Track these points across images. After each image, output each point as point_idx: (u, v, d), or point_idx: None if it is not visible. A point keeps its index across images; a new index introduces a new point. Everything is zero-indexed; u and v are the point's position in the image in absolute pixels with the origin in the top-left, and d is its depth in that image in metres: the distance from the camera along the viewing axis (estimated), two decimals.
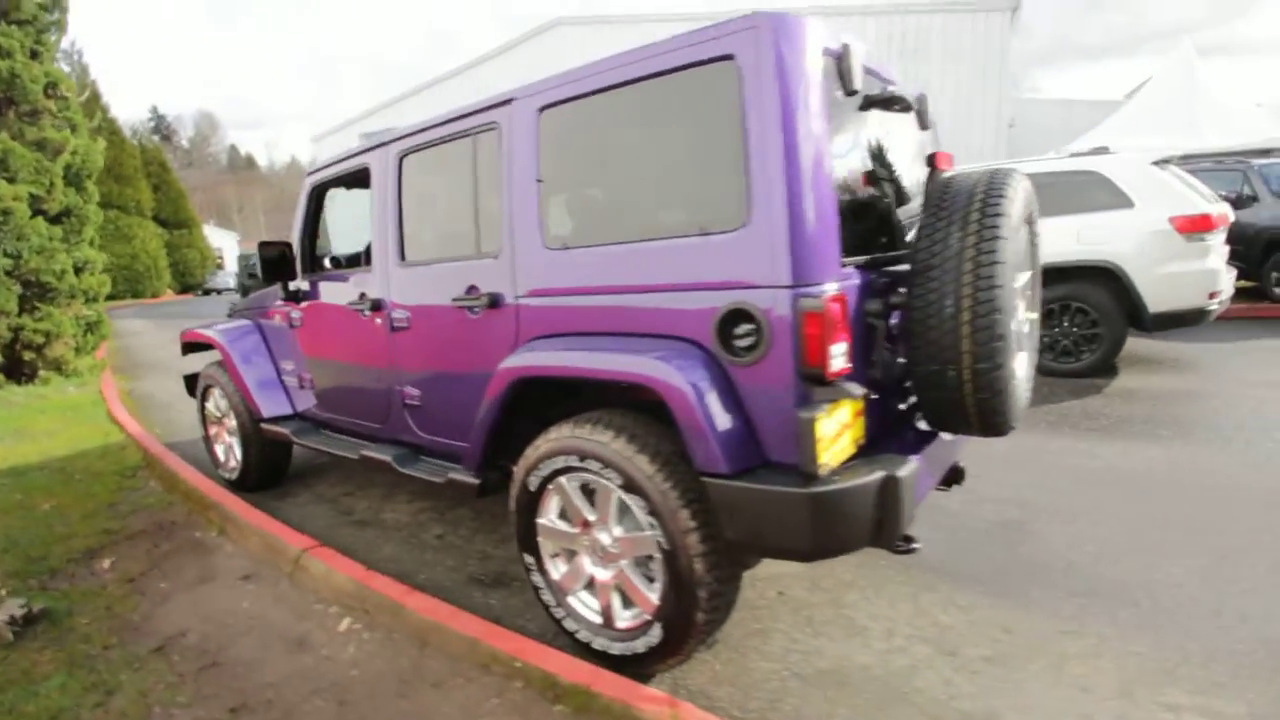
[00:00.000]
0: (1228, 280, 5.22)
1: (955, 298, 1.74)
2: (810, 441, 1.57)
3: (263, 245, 3.11)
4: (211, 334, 3.84)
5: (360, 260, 3.73)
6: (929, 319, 1.78)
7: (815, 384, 1.65)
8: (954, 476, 2.39)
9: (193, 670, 2.22)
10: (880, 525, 1.69)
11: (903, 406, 2.17)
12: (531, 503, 2.17)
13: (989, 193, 1.80)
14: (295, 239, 3.27)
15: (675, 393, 1.71)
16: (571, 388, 2.24)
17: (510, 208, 2.21)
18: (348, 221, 3.73)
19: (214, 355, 3.98)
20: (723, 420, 1.71)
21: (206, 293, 32.16)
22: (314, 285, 3.26)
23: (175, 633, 2.46)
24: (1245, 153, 8.58)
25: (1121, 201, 5.12)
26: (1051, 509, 3.09)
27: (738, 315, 1.72)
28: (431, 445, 2.75)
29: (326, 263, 3.52)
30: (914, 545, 1.78)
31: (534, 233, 2.15)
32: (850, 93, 1.80)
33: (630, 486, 1.87)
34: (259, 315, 3.85)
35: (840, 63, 1.78)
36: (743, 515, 1.69)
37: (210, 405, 4.09)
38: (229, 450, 4.02)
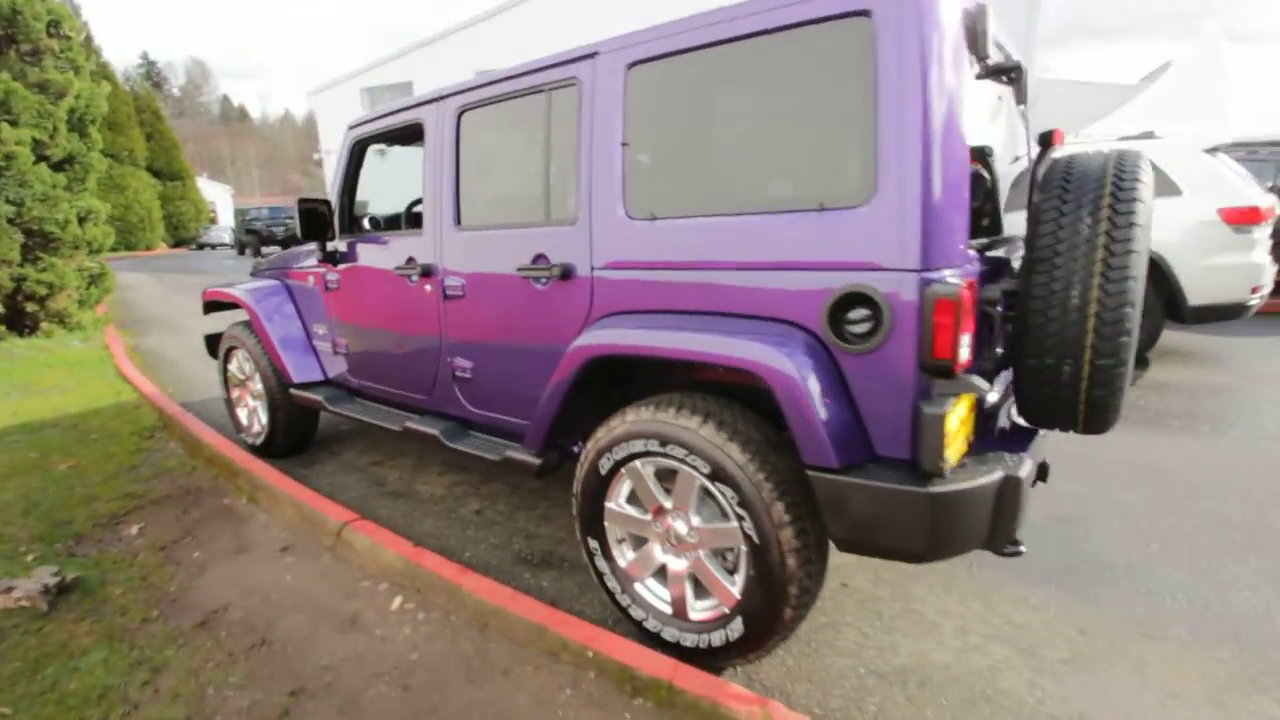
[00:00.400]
0: (1270, 274, 5.13)
1: (1083, 289, 1.62)
2: (938, 438, 1.47)
3: (301, 201, 2.95)
4: (237, 293, 3.69)
5: (402, 222, 3.55)
6: (1049, 310, 1.66)
7: (938, 376, 1.54)
8: (1041, 474, 2.30)
9: (242, 649, 2.13)
10: (995, 527, 1.60)
11: (993, 399, 2.07)
12: (601, 486, 2.07)
13: (1121, 176, 1.67)
14: (334, 197, 3.10)
15: (785, 380, 1.60)
16: (636, 368, 2.13)
17: (589, 172, 2.06)
18: (389, 180, 3.52)
19: (237, 315, 3.84)
20: (834, 411, 1.61)
21: (200, 247, 31.59)
22: (352, 247, 3.10)
23: (217, 607, 2.37)
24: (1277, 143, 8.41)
25: (1169, 189, 4.98)
26: (1108, 505, 3.03)
27: (854, 299, 1.60)
28: (482, 420, 2.64)
29: (366, 223, 3.35)
30: (1020, 548, 1.70)
31: (616, 201, 2.01)
32: (983, 59, 1.65)
33: (719, 475, 1.77)
34: (287, 276, 3.69)
35: (975, 25, 1.63)
36: (853, 513, 1.60)
37: (233, 367, 3.95)
38: (253, 415, 3.90)
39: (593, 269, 2.09)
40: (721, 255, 1.80)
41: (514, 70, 2.30)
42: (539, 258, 2.23)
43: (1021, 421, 1.98)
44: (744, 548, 1.80)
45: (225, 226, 33.65)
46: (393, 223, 3.51)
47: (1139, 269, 1.61)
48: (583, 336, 2.02)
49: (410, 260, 2.72)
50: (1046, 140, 1.94)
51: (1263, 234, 4.93)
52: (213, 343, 4.17)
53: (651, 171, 1.99)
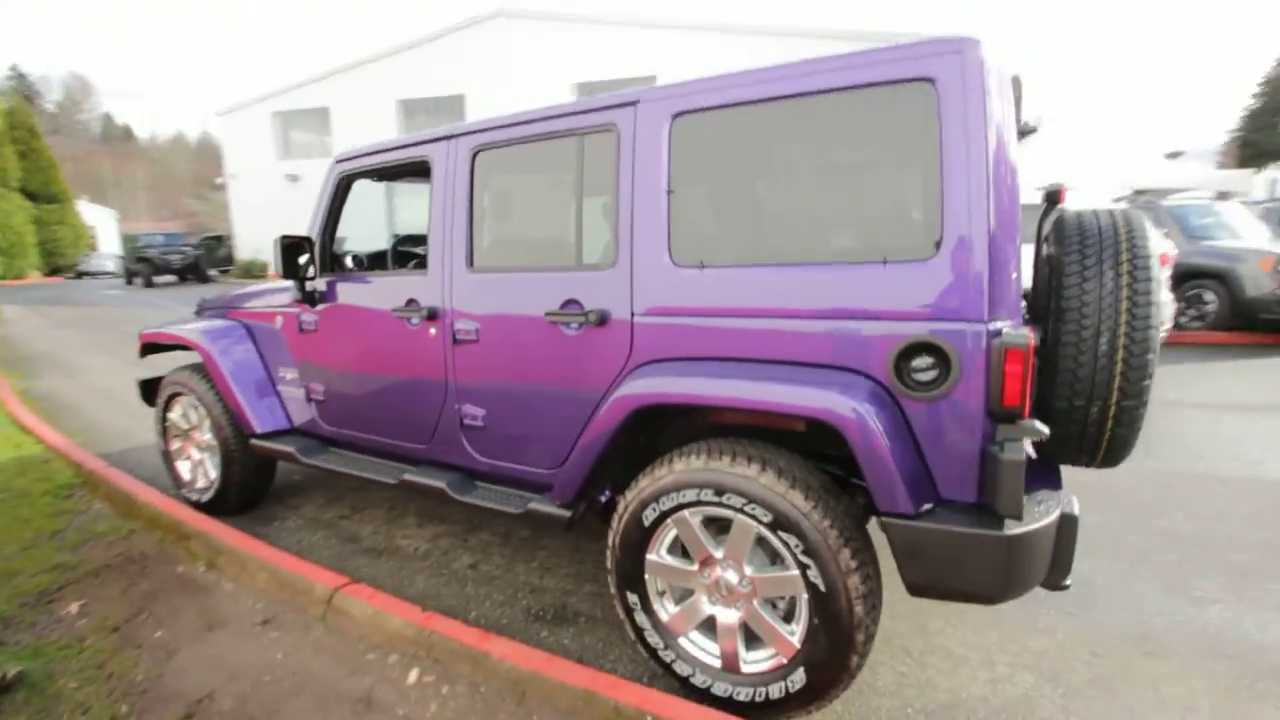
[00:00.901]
0: (1171, 311, 5.75)
1: (1111, 337, 1.75)
2: (1017, 483, 1.53)
3: (283, 239, 2.74)
4: (187, 334, 3.36)
5: (388, 261, 3.36)
6: (1080, 356, 1.78)
7: (1004, 421, 1.61)
8: None
9: None
10: (1055, 563, 1.67)
11: None
12: (643, 538, 2.01)
13: (1133, 235, 1.83)
14: (315, 233, 2.90)
15: (862, 429, 1.62)
16: (664, 415, 2.09)
17: (629, 218, 2.04)
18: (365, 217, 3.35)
19: (180, 359, 3.50)
20: (905, 458, 1.64)
21: (79, 275, 28.73)
22: (333, 287, 2.90)
23: (201, 695, 2.09)
24: (1152, 193, 9.56)
25: None
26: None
27: (920, 348, 1.65)
28: (491, 470, 2.51)
29: (348, 261, 3.15)
30: (1068, 582, 1.78)
31: (660, 247, 1.99)
32: (1020, 123, 1.78)
33: (781, 524, 1.76)
34: (245, 316, 3.40)
35: (1015, 93, 1.75)
36: (929, 558, 1.62)
37: (175, 416, 3.58)
38: (198, 468, 3.53)
39: (633, 315, 2.05)
40: (779, 304, 1.82)
41: (537, 114, 2.25)
42: (570, 303, 2.17)
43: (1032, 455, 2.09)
44: (805, 595, 1.79)
45: (109, 254, 30.78)
46: (376, 262, 3.33)
47: (1157, 318, 1.76)
48: (629, 384, 1.97)
49: (411, 302, 2.58)
50: (1053, 197, 2.10)
51: (1165, 274, 5.55)
52: (149, 388, 3.77)
53: (699, 220, 1.99)
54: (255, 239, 23.92)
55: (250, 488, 3.45)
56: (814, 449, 1.95)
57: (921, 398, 1.66)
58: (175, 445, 3.64)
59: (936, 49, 1.62)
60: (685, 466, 1.91)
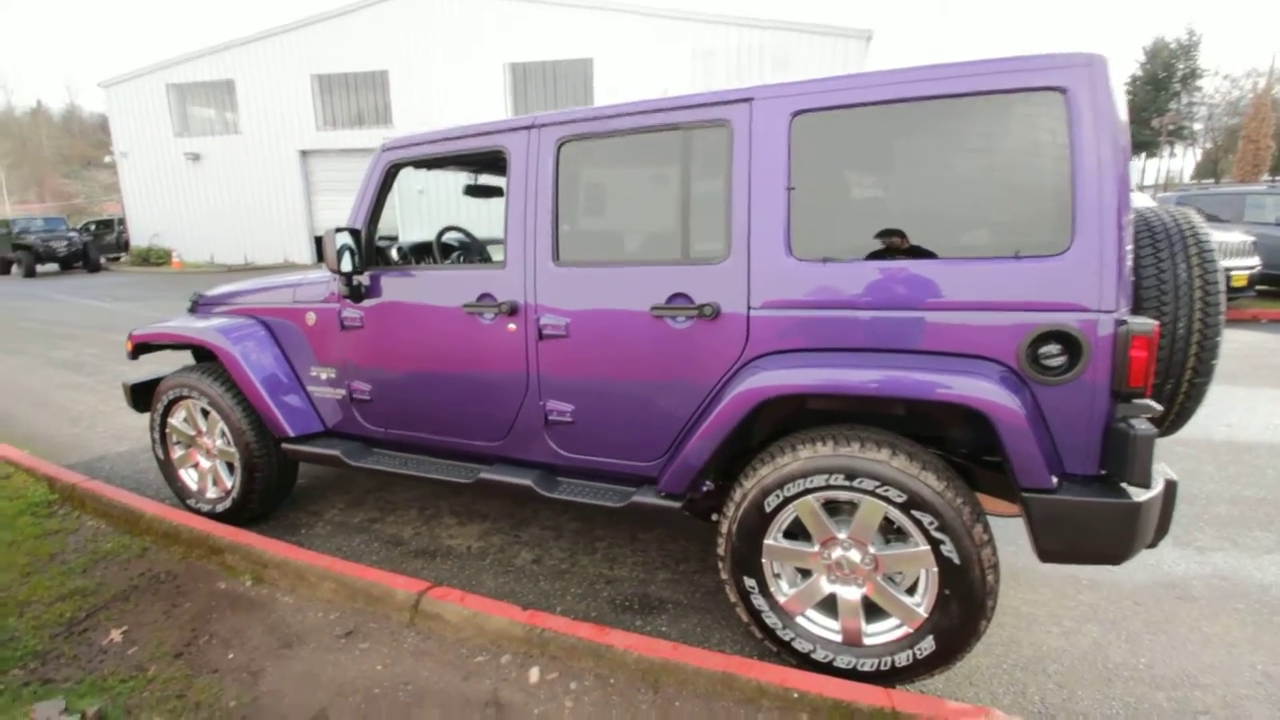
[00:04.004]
0: None
1: (1188, 321, 1.96)
2: (1148, 456, 1.70)
3: (337, 231, 2.58)
4: (201, 335, 3.10)
5: (434, 254, 3.19)
6: (1162, 340, 1.99)
7: (1125, 401, 1.78)
8: None
9: None
10: (1161, 525, 1.87)
11: None
12: (762, 524, 2.08)
13: (1195, 229, 2.05)
14: (360, 224, 2.74)
15: (1008, 413, 1.74)
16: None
17: (745, 213, 2.07)
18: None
19: (174, 359, 3.22)
20: (1042, 438, 1.78)
21: None
22: (378, 281, 2.76)
23: (311, 715, 1.99)
24: None
25: None
26: None
27: (1050, 336, 1.79)
28: (577, 464, 2.49)
29: (393, 254, 2.99)
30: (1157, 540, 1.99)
31: (779, 242, 2.04)
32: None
33: (917, 504, 1.87)
34: (262, 312, 3.17)
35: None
36: (1064, 528, 1.78)
37: (178, 421, 3.30)
38: (208, 476, 3.29)
39: (749, 308, 2.10)
40: (907, 296, 1.92)
41: (633, 107, 2.23)
42: (678, 296, 2.18)
43: None
44: (934, 569, 1.91)
45: None
46: (420, 254, 3.17)
47: (1224, 304, 1.99)
48: (756, 375, 2.02)
49: (485, 297, 2.50)
50: None
51: None
52: (141, 394, 3.45)
53: (822, 216, 2.05)
54: (152, 223, 21.88)
55: (273, 495, 3.25)
56: (907, 431, 2.07)
57: (1051, 382, 1.81)
58: (178, 453, 3.36)
59: (1067, 62, 1.75)
60: (813, 453, 1.99)
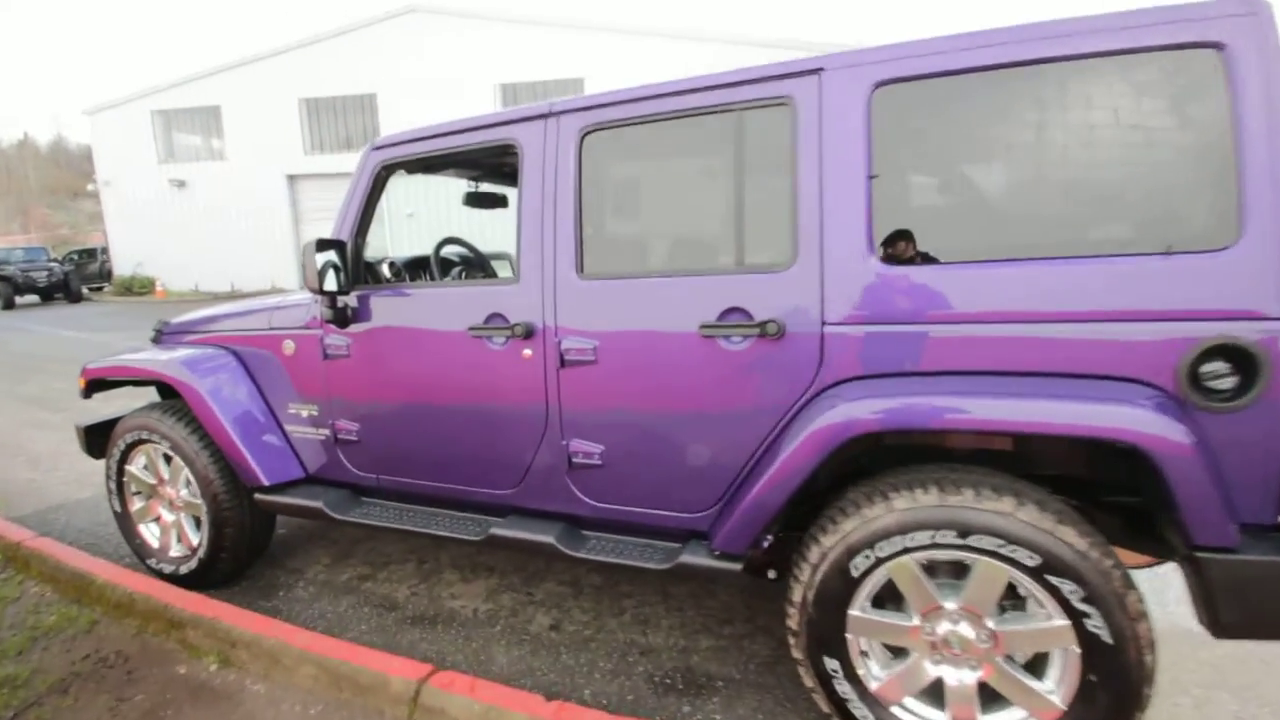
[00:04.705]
0: None
1: None
2: None
3: (319, 244, 2.19)
4: (160, 367, 2.68)
5: (432, 270, 2.79)
6: None
7: None
8: None
9: None
10: None
11: None
12: (848, 590, 1.67)
13: None
14: (347, 236, 2.35)
15: (1175, 449, 1.36)
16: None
17: (816, 209, 1.70)
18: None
19: (128, 397, 2.81)
20: (1218, 481, 1.40)
21: None
22: (367, 301, 2.37)
23: None
24: None
25: None
26: None
27: (1217, 351, 1.41)
28: (607, 516, 2.09)
29: (384, 271, 2.59)
30: None
31: (858, 243, 1.66)
32: None
33: (1054, 568, 1.48)
34: (232, 340, 2.76)
35: None
36: (1256, 594, 1.39)
37: (136, 469, 2.87)
38: (171, 531, 2.85)
39: (823, 324, 1.71)
40: (1030, 305, 1.54)
41: (671, 86, 1.86)
42: (732, 312, 1.79)
43: None
44: (1075, 649, 1.51)
45: None
46: (415, 272, 2.78)
47: None
48: (841, 408, 1.62)
49: (495, 318, 2.11)
50: None
51: None
52: (94, 437, 3.01)
53: (914, 210, 1.68)
54: (135, 252, 21.41)
55: (246, 553, 2.81)
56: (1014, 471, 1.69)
57: (1219, 408, 1.43)
58: (137, 505, 2.92)
59: (1225, 9, 1.40)
60: (911, 504, 1.59)
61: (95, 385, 2.93)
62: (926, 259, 1.63)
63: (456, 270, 2.92)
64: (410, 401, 2.32)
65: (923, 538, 1.58)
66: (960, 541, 1.55)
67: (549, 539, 2.07)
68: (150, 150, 20.80)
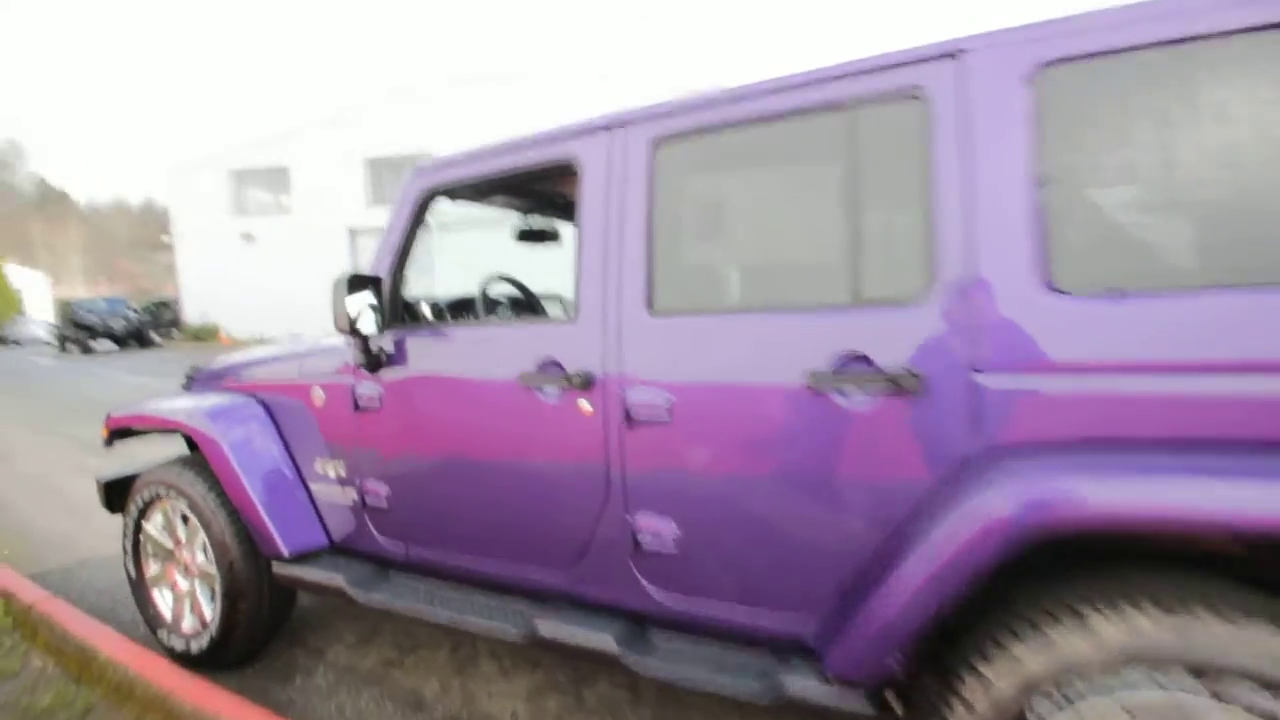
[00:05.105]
0: None
1: None
2: None
3: (351, 280, 1.91)
4: (180, 416, 2.44)
5: (478, 309, 2.46)
6: None
7: None
8: None
9: None
10: None
11: None
12: None
13: None
14: (385, 271, 2.08)
15: None
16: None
17: (959, 225, 1.31)
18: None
19: (158, 449, 2.57)
20: None
21: (3, 342, 26.42)
22: (405, 345, 2.07)
23: None
24: None
25: None
26: None
27: None
28: (681, 614, 1.67)
29: (424, 310, 2.31)
30: None
31: (1023, 267, 1.27)
32: None
33: None
34: (261, 388, 2.51)
35: None
36: None
37: (154, 528, 2.61)
38: (185, 601, 2.55)
39: (972, 373, 1.30)
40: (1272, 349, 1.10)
41: (766, 85, 1.53)
42: (850, 359, 1.40)
43: None
44: None
45: (39, 319, 28.49)
46: (458, 312, 2.49)
47: None
48: (1020, 486, 1.19)
49: (549, 365, 1.76)
50: None
51: None
52: (114, 492, 2.78)
53: (1102, 223, 1.28)
54: (203, 300, 22.44)
55: (263, 631, 2.48)
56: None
57: None
58: (153, 570, 2.64)
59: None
60: (1124, 631, 1.13)
61: (119, 434, 2.71)
62: (1115, 286, 1.21)
63: (504, 309, 2.62)
64: (446, 461, 1.99)
65: (1139, 676, 1.11)
66: (1194, 681, 1.07)
67: (608, 644, 1.66)
68: (223, 206, 22.01)
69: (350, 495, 2.24)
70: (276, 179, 21.69)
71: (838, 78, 1.46)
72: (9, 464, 6.15)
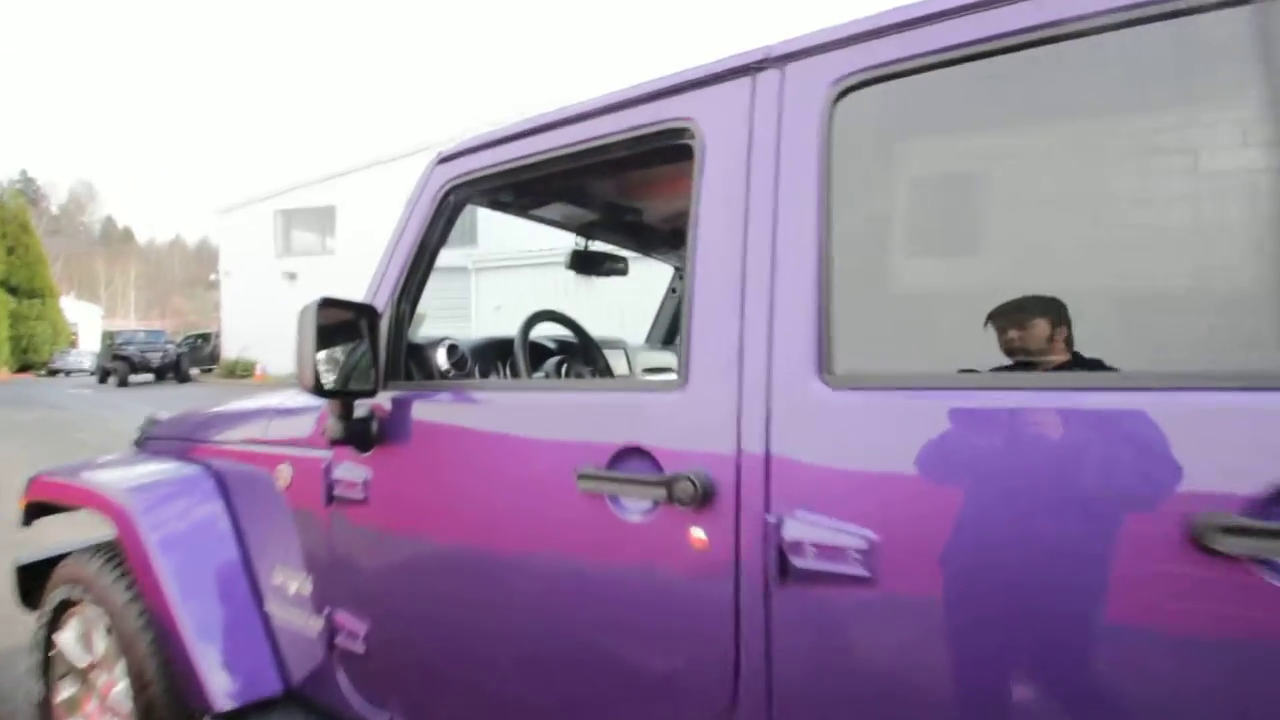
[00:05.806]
0: None
1: None
2: None
3: (324, 304, 1.25)
4: (106, 490, 1.77)
5: (520, 364, 1.73)
6: None
7: None
8: None
9: None
10: None
11: None
12: None
13: None
14: (383, 299, 1.41)
15: None
16: None
17: None
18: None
19: (90, 530, 1.91)
20: None
21: (53, 373, 26.97)
22: (408, 409, 1.37)
23: None
24: None
25: None
26: None
27: None
28: None
29: (440, 359, 1.60)
30: None
31: None
32: None
33: None
34: (220, 454, 1.84)
35: None
36: None
37: (68, 639, 1.92)
38: None
39: None
40: None
41: None
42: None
43: None
44: None
45: (86, 351, 29.15)
46: (488, 361, 1.80)
47: None
48: None
49: (631, 455, 1.04)
50: None
51: None
52: (31, 581, 2.12)
53: None
54: (244, 336, 22.58)
55: None
56: None
57: None
58: (64, 694, 1.95)
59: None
60: None
61: (35, 509, 2.06)
62: None
63: (555, 363, 1.90)
64: (461, 598, 1.26)
65: None
66: None
67: None
68: (269, 245, 22.33)
69: (314, 624, 1.52)
70: (322, 219, 21.98)
71: None
72: (9, 506, 5.62)
